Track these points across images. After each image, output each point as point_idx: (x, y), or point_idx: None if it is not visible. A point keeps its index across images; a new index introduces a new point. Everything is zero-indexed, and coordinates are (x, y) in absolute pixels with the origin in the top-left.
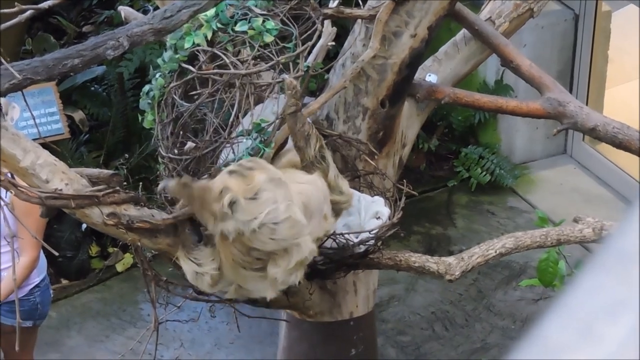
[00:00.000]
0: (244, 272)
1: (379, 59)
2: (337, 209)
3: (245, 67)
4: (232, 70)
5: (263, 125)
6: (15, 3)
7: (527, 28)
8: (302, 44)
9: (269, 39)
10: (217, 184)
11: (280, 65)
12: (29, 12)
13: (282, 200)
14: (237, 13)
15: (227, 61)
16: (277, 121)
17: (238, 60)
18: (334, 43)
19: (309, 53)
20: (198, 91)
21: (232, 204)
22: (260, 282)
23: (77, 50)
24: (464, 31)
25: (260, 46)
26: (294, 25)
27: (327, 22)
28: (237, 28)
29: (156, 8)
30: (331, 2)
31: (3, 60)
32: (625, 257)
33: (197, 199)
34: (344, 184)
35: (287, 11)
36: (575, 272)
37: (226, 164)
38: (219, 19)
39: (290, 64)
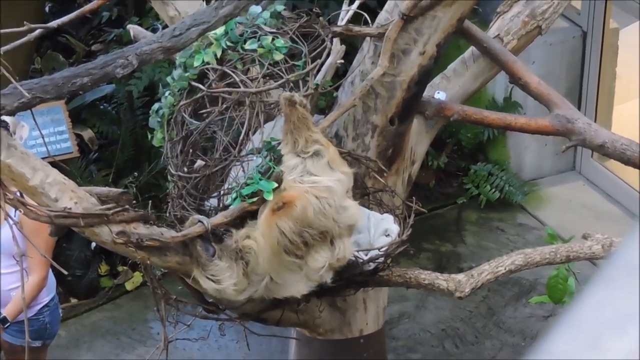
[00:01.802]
0: (284, 257)
1: (388, 76)
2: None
3: (255, 86)
4: (242, 89)
5: (273, 143)
6: (25, 22)
7: (536, 45)
8: (312, 62)
9: (278, 57)
10: (319, 134)
11: (290, 84)
12: (38, 31)
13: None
14: (247, 31)
15: (237, 79)
16: None
17: (248, 78)
18: (342, 61)
19: (318, 71)
20: (208, 109)
21: (315, 152)
22: (295, 274)
23: (87, 69)
24: (472, 48)
25: (269, 64)
26: (303, 43)
27: (336, 40)
28: (246, 46)
29: (165, 26)
30: (340, 20)
31: (12, 79)
32: (631, 270)
33: (293, 122)
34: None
35: (296, 29)
36: (584, 287)
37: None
38: (228, 37)
39: (300, 82)
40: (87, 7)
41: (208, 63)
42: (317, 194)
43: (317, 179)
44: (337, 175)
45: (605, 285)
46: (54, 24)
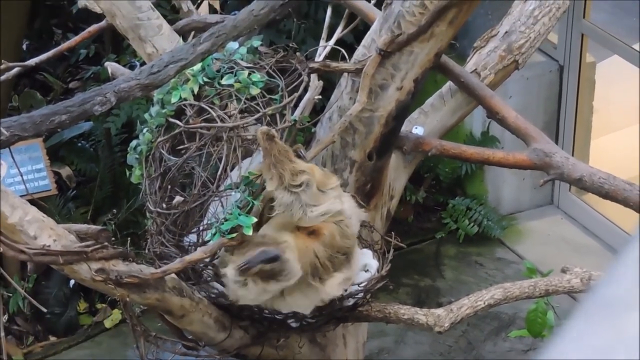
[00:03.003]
0: (306, 279)
1: (366, 111)
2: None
3: (232, 120)
4: (219, 124)
5: (251, 177)
6: (2, 60)
7: (513, 79)
8: (289, 96)
9: (255, 91)
10: (302, 162)
11: (268, 117)
12: (15, 70)
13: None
14: (224, 67)
15: (214, 115)
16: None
17: (225, 113)
18: (320, 96)
19: (296, 106)
20: (185, 145)
21: (305, 183)
22: (306, 297)
23: (65, 107)
24: (449, 83)
25: (246, 99)
26: (280, 78)
27: (313, 76)
28: (223, 81)
29: (143, 63)
30: (317, 56)
31: None
32: (611, 305)
33: (274, 155)
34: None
35: (273, 64)
36: (564, 322)
37: (217, 219)
38: (205, 73)
39: (277, 116)
40: (65, 45)
41: (185, 99)
42: (335, 220)
43: (322, 210)
44: (330, 194)
45: (585, 319)
46: (31, 62)
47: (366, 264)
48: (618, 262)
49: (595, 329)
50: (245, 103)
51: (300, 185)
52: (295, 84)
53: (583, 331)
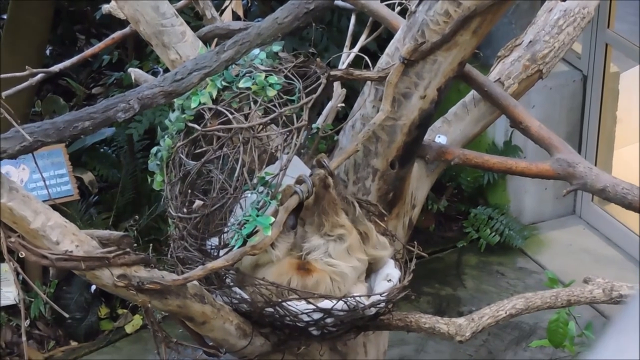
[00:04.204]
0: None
1: (389, 120)
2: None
3: (248, 121)
4: (235, 125)
5: (267, 178)
6: (26, 66)
7: (536, 89)
8: (306, 97)
9: (272, 93)
10: (345, 220)
11: (284, 118)
12: (39, 76)
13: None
14: (242, 71)
15: (230, 117)
16: (281, 173)
17: (241, 115)
18: (343, 104)
19: (319, 113)
20: (203, 149)
21: (339, 237)
22: None
23: (88, 113)
24: (473, 92)
25: (263, 101)
26: (298, 81)
27: (336, 84)
28: (240, 84)
29: (166, 70)
30: (341, 63)
31: (14, 123)
32: None
33: (324, 205)
34: (383, 239)
35: (291, 68)
36: (586, 333)
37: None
38: (224, 78)
39: (294, 117)
40: (89, 51)
41: (205, 104)
42: (333, 276)
43: (335, 263)
44: (353, 262)
45: (620, 335)
46: (55, 68)
47: (388, 274)
48: None
49: (633, 346)
50: (261, 105)
51: (333, 236)
52: (314, 86)
53: (620, 347)
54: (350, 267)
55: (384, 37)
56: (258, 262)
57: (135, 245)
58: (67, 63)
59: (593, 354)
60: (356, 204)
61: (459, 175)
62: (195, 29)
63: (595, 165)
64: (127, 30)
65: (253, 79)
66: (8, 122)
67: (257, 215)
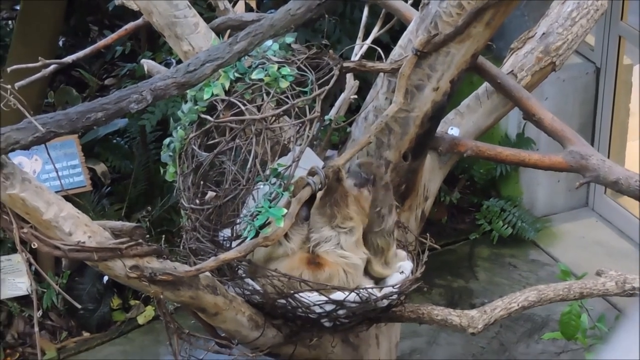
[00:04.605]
0: None
1: (402, 112)
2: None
3: (260, 113)
4: (248, 116)
5: (280, 169)
6: (39, 57)
7: (549, 81)
8: (319, 89)
9: (284, 84)
10: (354, 210)
11: (297, 109)
12: (52, 67)
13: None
14: (255, 63)
15: (243, 108)
16: (293, 165)
17: (254, 106)
18: (356, 96)
19: (331, 105)
20: (216, 140)
21: (350, 229)
22: None
23: (101, 104)
24: (486, 84)
25: (276, 92)
26: (311, 72)
27: (349, 76)
28: (253, 76)
29: (179, 61)
30: (353, 55)
31: (27, 114)
32: None
33: (336, 197)
34: (396, 260)
35: (304, 59)
36: (598, 325)
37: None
38: (236, 69)
39: (307, 108)
40: (102, 42)
41: (217, 95)
42: (346, 269)
43: (347, 254)
44: (362, 255)
45: (635, 330)
46: (68, 59)
47: (400, 266)
48: None
49: None
50: (274, 96)
51: (345, 228)
52: (326, 77)
53: (635, 341)
54: (360, 259)
55: (396, 28)
56: (272, 255)
57: (147, 236)
58: (80, 54)
59: (608, 347)
60: (390, 219)
61: (471, 168)
62: (208, 20)
63: (608, 157)
64: (140, 21)
65: (266, 70)
66: (21, 113)
67: (270, 207)
